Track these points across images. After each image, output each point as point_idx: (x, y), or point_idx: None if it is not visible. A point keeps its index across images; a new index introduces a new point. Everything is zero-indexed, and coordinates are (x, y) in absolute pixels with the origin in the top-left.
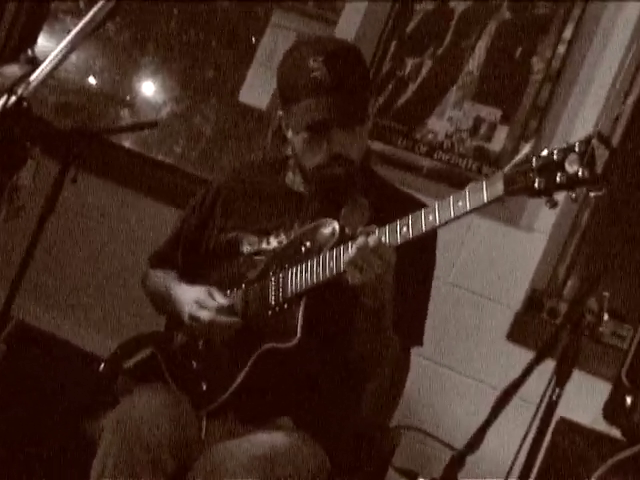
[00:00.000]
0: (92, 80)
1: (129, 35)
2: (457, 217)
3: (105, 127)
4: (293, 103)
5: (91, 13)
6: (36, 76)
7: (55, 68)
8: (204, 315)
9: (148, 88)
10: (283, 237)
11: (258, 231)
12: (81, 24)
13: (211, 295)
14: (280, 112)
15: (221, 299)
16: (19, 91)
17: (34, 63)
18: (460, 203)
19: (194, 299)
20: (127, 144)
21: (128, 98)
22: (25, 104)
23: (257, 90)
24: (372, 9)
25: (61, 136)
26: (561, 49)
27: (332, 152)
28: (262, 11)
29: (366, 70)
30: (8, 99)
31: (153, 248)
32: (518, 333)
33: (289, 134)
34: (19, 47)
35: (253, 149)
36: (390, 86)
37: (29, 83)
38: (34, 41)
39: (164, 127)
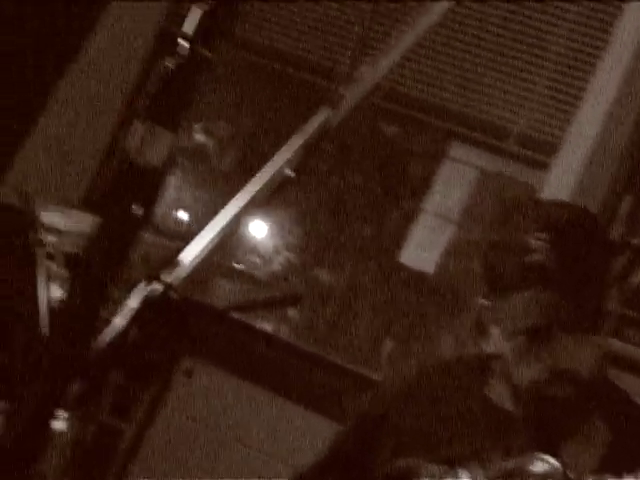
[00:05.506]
0: (182, 214)
1: (233, 157)
2: None
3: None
4: (502, 292)
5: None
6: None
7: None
8: None
9: (258, 230)
10: (477, 473)
11: (440, 460)
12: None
13: None
14: (483, 300)
15: None
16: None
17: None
18: None
19: None
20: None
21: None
22: (175, 296)
23: (427, 248)
24: (604, 140)
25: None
26: None
27: (555, 367)
28: (438, 145)
29: (606, 248)
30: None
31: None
32: None
33: (494, 332)
34: None
35: (435, 338)
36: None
37: (178, 265)
38: None
39: (274, 283)
